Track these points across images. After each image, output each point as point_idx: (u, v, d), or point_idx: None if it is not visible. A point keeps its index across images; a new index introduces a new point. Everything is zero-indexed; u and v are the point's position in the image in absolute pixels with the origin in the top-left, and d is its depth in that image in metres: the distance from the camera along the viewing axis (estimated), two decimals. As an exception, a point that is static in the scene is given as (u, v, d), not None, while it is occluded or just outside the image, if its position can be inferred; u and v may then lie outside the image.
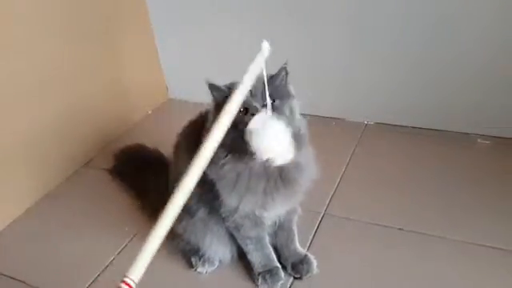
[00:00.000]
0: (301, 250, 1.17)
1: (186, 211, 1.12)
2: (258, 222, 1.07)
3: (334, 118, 1.79)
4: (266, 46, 0.84)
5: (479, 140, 1.57)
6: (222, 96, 0.93)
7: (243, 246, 1.12)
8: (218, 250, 1.16)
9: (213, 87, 0.96)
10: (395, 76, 1.63)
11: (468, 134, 1.60)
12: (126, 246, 1.31)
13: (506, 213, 1.26)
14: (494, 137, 1.56)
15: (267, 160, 0.88)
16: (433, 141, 1.60)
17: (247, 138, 0.87)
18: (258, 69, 0.84)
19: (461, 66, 1.52)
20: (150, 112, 2.02)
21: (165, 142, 1.54)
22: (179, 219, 1.15)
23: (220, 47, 1.87)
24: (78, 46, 1.62)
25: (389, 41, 1.57)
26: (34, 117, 1.50)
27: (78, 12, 1.61)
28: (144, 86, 1.98)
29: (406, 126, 1.69)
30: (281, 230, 1.16)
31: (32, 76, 1.47)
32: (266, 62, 0.88)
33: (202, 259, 1.18)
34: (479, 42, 1.46)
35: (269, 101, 0.91)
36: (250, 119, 0.88)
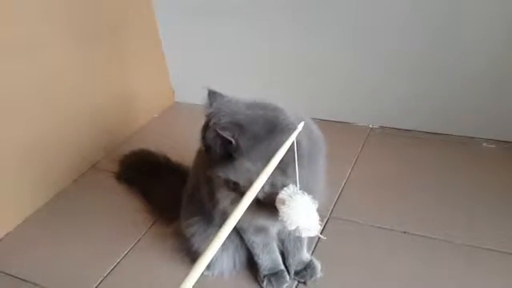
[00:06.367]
0: (306, 257, 1.17)
1: (205, 219, 1.11)
2: (261, 229, 1.07)
3: (339, 122, 1.80)
4: (301, 126, 0.86)
5: (484, 144, 1.57)
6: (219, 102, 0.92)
7: (250, 248, 1.13)
8: (222, 260, 1.15)
9: (213, 94, 0.94)
10: (400, 80, 1.63)
11: (473, 137, 1.60)
12: (131, 248, 1.32)
13: (510, 217, 1.26)
14: (500, 141, 1.56)
15: (295, 230, 0.90)
16: (438, 144, 1.60)
17: (277, 205, 0.90)
18: (289, 144, 0.84)
19: (466, 69, 1.52)
20: (156, 115, 2.04)
21: (171, 145, 1.56)
22: (190, 224, 1.16)
23: (226, 51, 1.88)
24: (84, 49, 1.64)
25: (393, 45, 1.58)
26: (41, 120, 1.51)
27: (86, 17, 1.63)
28: (150, 89, 2.00)
29: (411, 130, 1.69)
30: (288, 237, 1.15)
31: (39, 79, 1.49)
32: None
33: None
34: (484, 44, 1.46)
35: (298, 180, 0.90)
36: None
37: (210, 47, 1.91)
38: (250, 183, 0.86)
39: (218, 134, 0.83)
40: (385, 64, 1.63)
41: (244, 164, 0.85)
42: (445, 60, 1.54)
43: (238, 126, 0.84)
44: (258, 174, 0.84)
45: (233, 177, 0.89)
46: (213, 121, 0.89)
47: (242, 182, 0.89)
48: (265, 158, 0.83)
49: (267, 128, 0.85)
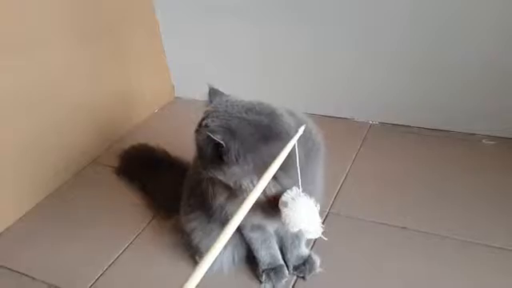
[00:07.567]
0: (305, 252, 1.17)
1: (205, 214, 1.11)
2: (259, 226, 1.07)
3: (339, 118, 1.80)
4: (302, 130, 0.87)
5: (484, 140, 1.57)
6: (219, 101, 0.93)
7: (249, 243, 1.13)
8: (222, 256, 1.15)
9: (214, 92, 0.95)
10: (400, 76, 1.63)
11: (473, 134, 1.60)
12: (131, 243, 1.32)
13: (510, 213, 1.26)
14: (499, 137, 1.56)
15: (297, 231, 0.91)
16: (437, 141, 1.61)
17: (280, 207, 0.90)
18: (289, 148, 0.85)
19: (466, 66, 1.52)
20: (156, 110, 2.04)
21: (171, 141, 1.56)
22: (190, 219, 1.16)
23: (226, 46, 1.88)
24: (85, 46, 1.64)
25: (394, 41, 1.58)
26: (42, 115, 1.52)
27: (86, 13, 1.63)
28: (151, 84, 2.00)
29: (410, 126, 1.69)
30: (285, 234, 1.15)
31: (40, 75, 1.49)
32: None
33: None
34: (484, 42, 1.46)
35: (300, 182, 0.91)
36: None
37: (210, 43, 1.90)
38: (239, 186, 0.88)
39: (209, 137, 0.84)
40: (385, 61, 1.63)
41: (232, 168, 0.86)
42: (445, 57, 1.53)
43: (229, 131, 0.84)
44: (246, 178, 0.86)
45: (222, 178, 0.90)
46: (205, 122, 0.89)
47: (230, 184, 0.90)
48: (254, 164, 0.84)
49: (259, 135, 0.85)
